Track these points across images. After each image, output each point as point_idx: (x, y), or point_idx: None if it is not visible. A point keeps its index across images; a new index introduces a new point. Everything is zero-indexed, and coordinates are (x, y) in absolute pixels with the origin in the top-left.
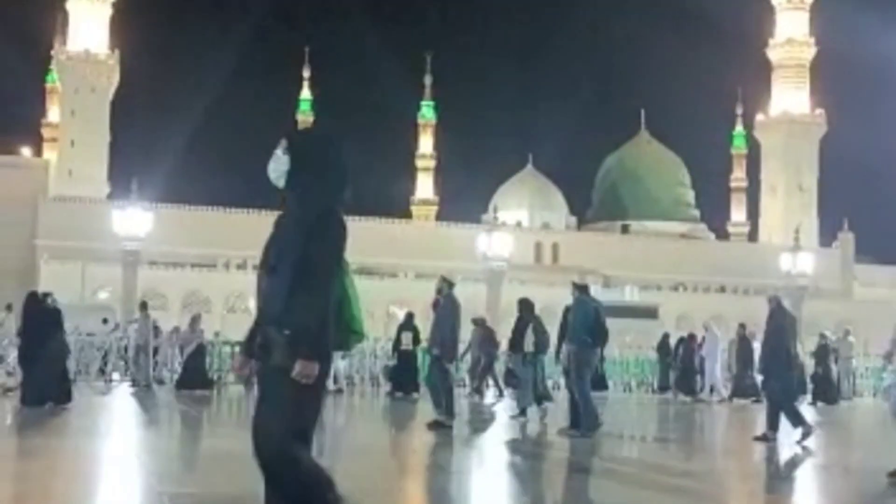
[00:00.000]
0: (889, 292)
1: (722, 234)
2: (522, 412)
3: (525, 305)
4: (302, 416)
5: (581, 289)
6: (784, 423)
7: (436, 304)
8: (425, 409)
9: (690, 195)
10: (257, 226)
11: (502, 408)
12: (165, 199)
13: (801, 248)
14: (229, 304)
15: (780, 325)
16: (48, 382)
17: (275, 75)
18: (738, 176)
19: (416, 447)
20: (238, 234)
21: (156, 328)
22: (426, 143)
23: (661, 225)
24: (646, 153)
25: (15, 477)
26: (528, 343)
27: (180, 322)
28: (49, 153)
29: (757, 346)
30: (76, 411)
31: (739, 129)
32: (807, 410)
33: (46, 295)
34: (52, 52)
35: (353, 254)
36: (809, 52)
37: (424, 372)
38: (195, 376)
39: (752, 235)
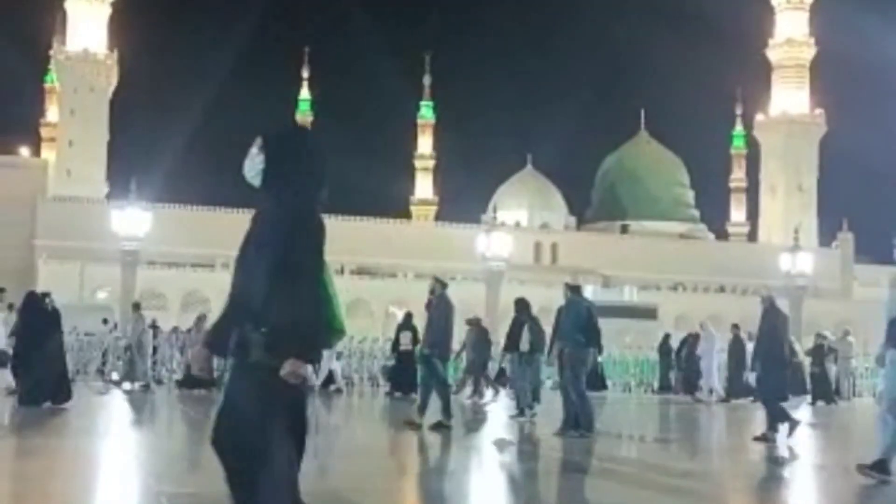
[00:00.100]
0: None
1: (721, 235)
2: (522, 412)
3: (521, 305)
4: (279, 415)
5: (573, 289)
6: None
7: (429, 305)
8: (429, 409)
9: (690, 195)
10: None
11: (502, 408)
12: (164, 198)
13: (801, 248)
14: None
15: (774, 324)
16: (46, 382)
17: (274, 75)
18: (738, 176)
19: (414, 447)
20: (237, 234)
21: (155, 328)
22: (425, 144)
23: (660, 225)
24: (645, 153)
25: (13, 477)
26: (525, 343)
27: (179, 322)
28: (48, 153)
29: (750, 346)
30: (75, 411)
31: (739, 129)
32: (806, 410)
33: (45, 295)
34: (51, 52)
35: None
36: (809, 53)
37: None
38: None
39: (752, 235)
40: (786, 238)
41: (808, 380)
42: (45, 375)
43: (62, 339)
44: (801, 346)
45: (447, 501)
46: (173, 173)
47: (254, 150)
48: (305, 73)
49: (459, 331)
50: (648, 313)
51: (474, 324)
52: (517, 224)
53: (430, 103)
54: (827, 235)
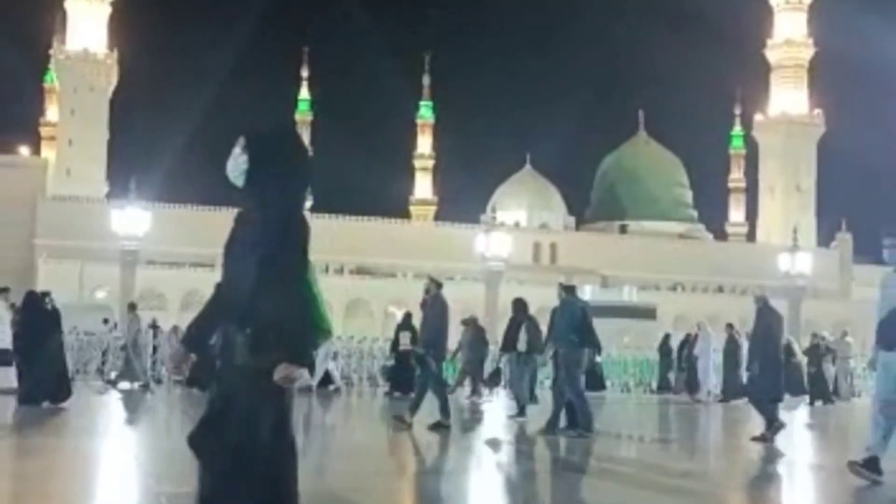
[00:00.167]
0: None
1: (720, 235)
2: (521, 411)
3: (519, 305)
4: (267, 417)
5: (567, 289)
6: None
7: (424, 305)
8: (423, 409)
9: (689, 195)
10: None
11: (501, 408)
12: (164, 198)
13: (800, 248)
14: None
15: (768, 324)
16: (46, 382)
17: (273, 75)
18: (737, 176)
19: (413, 447)
20: None
21: (155, 327)
22: (425, 144)
23: (659, 225)
24: (644, 153)
25: (13, 476)
26: (522, 343)
27: (179, 321)
28: (47, 152)
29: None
30: (74, 410)
31: (738, 129)
32: (804, 410)
33: (45, 294)
34: (51, 52)
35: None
36: (808, 53)
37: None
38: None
39: (751, 236)
40: (784, 238)
41: (805, 380)
42: (44, 375)
43: (62, 338)
44: (799, 346)
45: (445, 502)
46: (173, 173)
47: (237, 149)
48: (305, 73)
49: (455, 331)
50: (647, 313)
51: (470, 323)
52: (516, 224)
53: (430, 103)
54: (826, 236)
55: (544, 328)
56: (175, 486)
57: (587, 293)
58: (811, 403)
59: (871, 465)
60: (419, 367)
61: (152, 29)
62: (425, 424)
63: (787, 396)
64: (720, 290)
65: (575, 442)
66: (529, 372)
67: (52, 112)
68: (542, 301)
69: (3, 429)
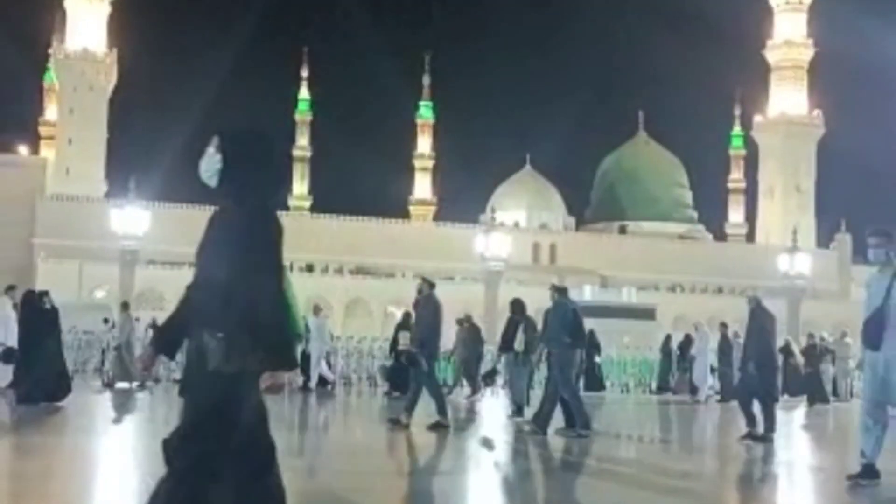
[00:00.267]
0: None
1: (719, 235)
2: (519, 411)
3: (517, 306)
4: (241, 424)
5: (560, 291)
6: (778, 421)
7: (416, 304)
8: (421, 409)
9: (688, 196)
10: None
11: (500, 407)
12: (163, 197)
13: (799, 249)
14: None
15: (761, 324)
16: (45, 381)
17: (273, 74)
18: (736, 177)
19: (411, 447)
20: None
21: (155, 327)
22: (424, 144)
23: (658, 226)
24: (644, 154)
25: (11, 476)
26: (519, 343)
27: None
28: (47, 151)
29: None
30: (72, 410)
31: (737, 130)
32: (801, 410)
33: (43, 294)
34: (50, 51)
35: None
36: (807, 54)
37: None
38: None
39: (750, 236)
40: (784, 239)
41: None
42: (43, 375)
43: (61, 337)
44: (799, 347)
45: (444, 502)
46: (172, 172)
47: (210, 149)
48: (305, 73)
49: (449, 330)
50: (647, 314)
51: (465, 322)
52: (516, 224)
53: (430, 103)
54: (825, 236)
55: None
56: None
57: (587, 294)
58: (810, 404)
59: (868, 473)
60: (412, 366)
61: (152, 28)
62: (423, 425)
63: (786, 397)
64: (720, 290)
65: (573, 442)
66: (527, 372)
67: (51, 111)
68: (542, 301)
69: (1, 428)
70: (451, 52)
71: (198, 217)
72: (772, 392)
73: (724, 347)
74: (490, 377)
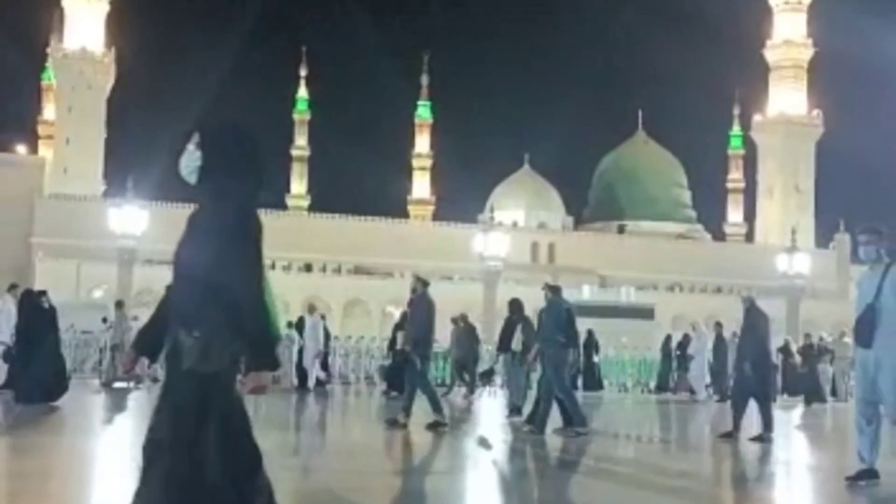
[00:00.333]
0: None
1: (718, 235)
2: (516, 410)
3: (515, 306)
4: (216, 423)
5: (554, 290)
6: (777, 420)
7: (410, 303)
8: (419, 409)
9: (687, 196)
10: None
11: (498, 407)
12: (161, 197)
13: (798, 249)
14: None
15: (755, 324)
16: (43, 381)
17: (271, 74)
18: (735, 177)
19: (408, 447)
20: None
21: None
22: (423, 143)
23: (657, 225)
24: (643, 153)
25: (8, 476)
26: (517, 342)
27: None
28: (45, 151)
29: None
30: (70, 409)
31: (736, 129)
32: (798, 410)
33: (41, 293)
34: (49, 50)
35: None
36: (807, 54)
37: None
38: None
39: (749, 236)
40: (783, 239)
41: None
42: (41, 374)
43: (59, 337)
44: (797, 346)
45: (442, 501)
46: (170, 171)
47: (190, 146)
48: (303, 72)
49: (444, 329)
50: (645, 313)
51: (460, 321)
52: (514, 224)
53: (428, 103)
54: (824, 236)
55: None
56: None
57: (585, 293)
58: (808, 403)
59: (867, 475)
60: (406, 364)
61: (150, 27)
62: (421, 424)
63: (785, 396)
64: (718, 290)
65: (571, 441)
66: (524, 372)
67: (49, 110)
68: (540, 301)
69: None
70: (450, 52)
71: None
72: (768, 392)
73: (719, 347)
74: (487, 377)
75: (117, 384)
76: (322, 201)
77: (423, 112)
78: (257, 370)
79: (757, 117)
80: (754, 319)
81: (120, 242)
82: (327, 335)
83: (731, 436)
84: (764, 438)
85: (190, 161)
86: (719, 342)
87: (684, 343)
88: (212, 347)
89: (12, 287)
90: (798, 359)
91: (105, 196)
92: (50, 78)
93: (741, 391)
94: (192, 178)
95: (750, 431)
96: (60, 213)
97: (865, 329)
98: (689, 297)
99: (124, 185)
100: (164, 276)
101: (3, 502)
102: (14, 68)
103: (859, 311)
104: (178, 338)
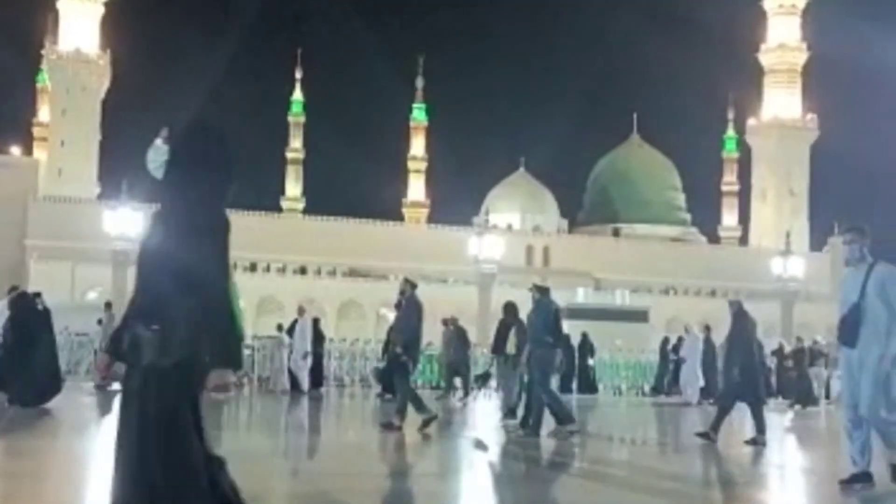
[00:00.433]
0: None
1: (713, 238)
2: (510, 412)
3: (509, 309)
4: (177, 416)
5: (541, 291)
6: (769, 423)
7: (398, 305)
8: (413, 411)
9: (682, 199)
10: (247, 227)
11: (493, 409)
12: (156, 199)
13: (792, 252)
14: None
15: (743, 329)
16: (37, 383)
17: (267, 76)
18: (730, 180)
19: (404, 448)
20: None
21: None
22: (418, 146)
23: (652, 228)
24: (637, 157)
25: (1, 477)
26: (511, 345)
27: None
28: (39, 153)
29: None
30: (65, 411)
31: (731, 133)
32: (789, 414)
33: (35, 295)
34: (43, 52)
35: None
36: (801, 57)
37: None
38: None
39: (743, 239)
40: (777, 242)
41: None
42: (35, 376)
43: (53, 339)
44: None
45: (437, 503)
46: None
47: (158, 140)
48: (298, 74)
49: (434, 331)
50: (640, 316)
51: (450, 323)
52: (509, 227)
53: (423, 105)
54: (818, 239)
55: None
56: None
57: (580, 296)
58: (803, 406)
59: (860, 478)
60: (393, 366)
61: (145, 29)
62: (417, 426)
63: (779, 399)
64: (713, 293)
65: (565, 444)
66: (518, 375)
67: (43, 112)
68: None
69: None
70: (445, 55)
71: None
72: (758, 395)
73: (708, 350)
74: (484, 380)
75: (113, 386)
76: (317, 204)
77: (419, 114)
78: (219, 368)
79: (751, 121)
80: (742, 324)
81: (115, 244)
82: (322, 337)
83: (707, 437)
84: (758, 441)
85: (157, 156)
86: (708, 346)
87: (678, 346)
88: (170, 340)
89: (13, 289)
90: (788, 362)
91: (100, 198)
92: (44, 80)
93: (728, 395)
94: (158, 173)
95: (729, 436)
96: (55, 215)
97: (850, 329)
98: (684, 300)
99: (119, 187)
100: None
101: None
102: (8, 70)
103: (843, 311)
104: (137, 332)
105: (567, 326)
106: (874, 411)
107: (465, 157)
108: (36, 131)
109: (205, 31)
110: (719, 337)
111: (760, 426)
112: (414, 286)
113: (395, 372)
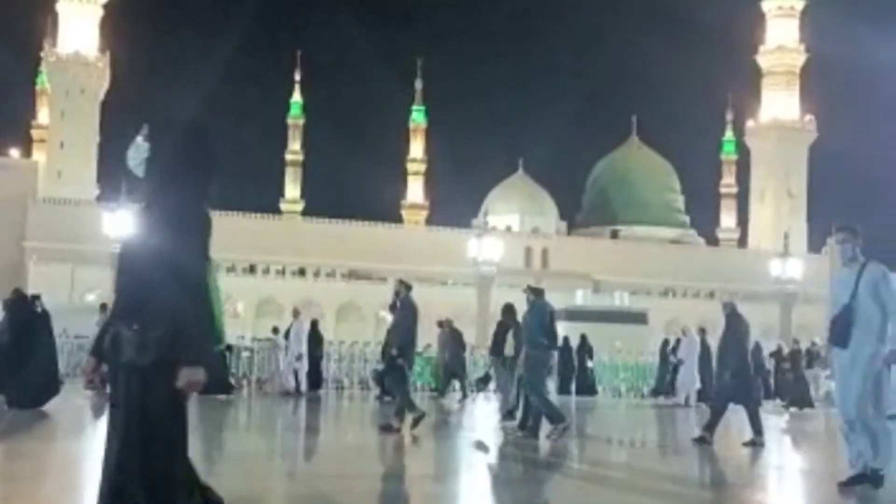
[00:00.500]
0: None
1: (711, 240)
2: (509, 414)
3: (508, 311)
4: (157, 413)
5: (536, 292)
6: (766, 425)
7: (393, 307)
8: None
9: (680, 201)
10: (246, 229)
11: (492, 411)
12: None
13: (791, 253)
14: None
15: (737, 331)
16: (36, 386)
17: (266, 78)
18: (728, 182)
19: (403, 450)
20: (226, 236)
21: None
22: (417, 148)
23: (650, 230)
24: (636, 158)
25: (2, 479)
26: (509, 347)
27: None
28: (38, 155)
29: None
30: (63, 413)
31: (729, 135)
32: (786, 416)
33: (34, 297)
34: (42, 54)
35: (344, 257)
36: (799, 59)
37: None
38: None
39: (742, 241)
40: (776, 244)
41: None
42: (33, 379)
43: (53, 341)
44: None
45: None
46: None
47: (139, 138)
48: (297, 77)
49: (429, 333)
50: (638, 318)
51: (445, 325)
52: (508, 229)
53: (422, 108)
54: (817, 241)
55: None
56: None
57: (579, 298)
58: (800, 408)
59: (859, 479)
60: (389, 367)
61: (144, 31)
62: (417, 427)
63: (777, 401)
64: (711, 295)
65: (563, 445)
66: (515, 376)
67: (43, 114)
68: None
69: None
70: (444, 57)
71: None
72: (753, 397)
73: (703, 352)
74: (483, 383)
75: (107, 388)
76: (316, 206)
77: (418, 116)
78: (191, 366)
79: (750, 123)
80: (735, 325)
81: (113, 246)
82: (321, 339)
83: (704, 441)
84: (756, 443)
85: (138, 153)
86: (703, 348)
87: (676, 348)
88: (149, 339)
89: (15, 293)
90: (787, 364)
91: (99, 200)
92: (44, 82)
93: (721, 397)
94: (139, 171)
95: (727, 438)
96: (54, 217)
97: (842, 328)
98: (683, 302)
99: (118, 189)
100: None
101: None
102: (8, 72)
103: (835, 311)
104: (118, 331)
105: (566, 328)
106: (863, 409)
107: (464, 159)
108: (35, 133)
109: (204, 33)
110: (716, 339)
111: (757, 428)
112: (409, 287)
113: (391, 374)
